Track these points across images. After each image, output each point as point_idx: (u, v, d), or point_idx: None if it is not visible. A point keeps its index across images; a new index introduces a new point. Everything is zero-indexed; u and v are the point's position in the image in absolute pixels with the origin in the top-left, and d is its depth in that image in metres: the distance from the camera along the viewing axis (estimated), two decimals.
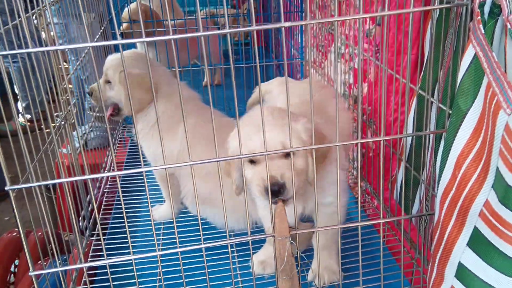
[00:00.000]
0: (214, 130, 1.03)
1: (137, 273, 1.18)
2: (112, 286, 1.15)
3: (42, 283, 1.35)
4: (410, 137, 1.39)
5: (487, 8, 0.93)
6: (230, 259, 1.17)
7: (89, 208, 1.76)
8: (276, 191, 1.12)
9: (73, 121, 1.56)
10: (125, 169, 2.23)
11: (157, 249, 1.10)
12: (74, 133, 1.81)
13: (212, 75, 3.42)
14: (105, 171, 2.15)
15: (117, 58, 1.81)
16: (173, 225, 1.78)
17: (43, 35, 1.94)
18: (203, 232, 1.69)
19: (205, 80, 3.39)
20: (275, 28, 1.00)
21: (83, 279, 1.46)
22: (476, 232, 0.95)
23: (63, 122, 1.48)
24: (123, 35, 2.88)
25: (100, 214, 1.90)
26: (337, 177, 1.12)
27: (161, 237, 1.76)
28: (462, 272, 1.01)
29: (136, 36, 2.81)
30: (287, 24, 0.93)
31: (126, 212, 1.86)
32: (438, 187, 1.06)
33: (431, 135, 1.23)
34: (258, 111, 1.23)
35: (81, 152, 1.68)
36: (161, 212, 1.87)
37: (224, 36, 3.52)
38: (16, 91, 4.06)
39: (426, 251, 1.35)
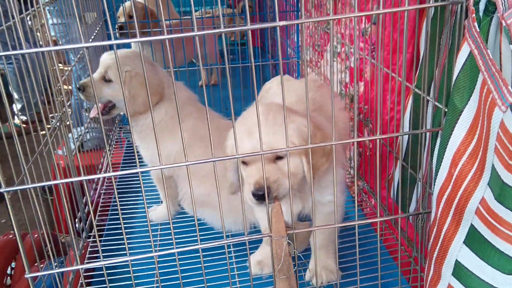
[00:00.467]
0: (210, 130, 1.02)
1: (134, 274, 1.18)
2: (108, 286, 1.14)
3: (39, 285, 1.34)
4: (407, 136, 1.38)
5: (482, 6, 0.92)
6: (227, 259, 1.16)
7: (86, 210, 1.75)
8: (262, 195, 1.12)
9: (68, 122, 1.55)
10: (121, 170, 2.22)
11: (153, 250, 1.10)
12: (70, 134, 1.80)
13: (209, 75, 3.42)
14: (101, 173, 2.14)
15: (120, 56, 1.76)
16: (170, 226, 1.79)
17: (38, 36, 1.93)
18: (201, 233, 1.69)
19: (202, 80, 3.38)
20: (270, 27, 1.00)
21: (80, 281, 1.45)
22: (472, 230, 0.95)
23: (58, 124, 1.47)
24: (121, 28, 2.87)
25: (97, 215, 1.89)
26: (334, 176, 1.12)
27: (158, 238, 1.75)
28: (459, 270, 1.00)
29: (131, 35, 2.80)
30: (282, 23, 0.93)
31: (123, 213, 1.88)
32: (434, 185, 1.06)
33: (427, 134, 1.23)
34: (253, 111, 1.23)
35: (76, 154, 1.67)
36: (158, 213, 1.86)
37: (220, 35, 3.51)
38: (12, 93, 4.04)
39: (424, 249, 1.35)
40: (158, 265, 1.50)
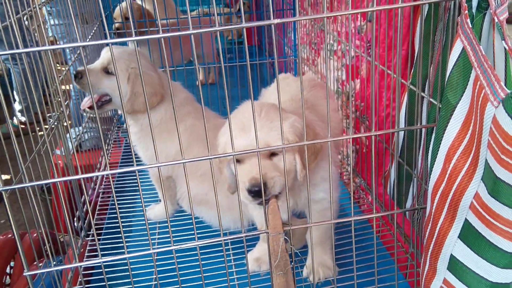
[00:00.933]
0: (206, 128, 1.03)
1: (133, 272, 1.19)
2: (107, 285, 1.15)
3: (37, 284, 1.35)
4: (402, 132, 1.39)
5: (474, 3, 0.93)
6: (224, 256, 1.17)
7: (84, 209, 1.76)
8: (258, 192, 1.13)
9: (65, 123, 1.55)
10: (119, 172, 2.22)
11: (151, 247, 1.11)
12: (68, 134, 1.80)
13: (207, 74, 3.42)
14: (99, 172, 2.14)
15: (125, 51, 1.76)
16: (167, 224, 1.80)
17: (36, 36, 1.93)
18: (198, 231, 1.70)
19: (199, 79, 3.39)
20: (266, 25, 1.00)
21: (79, 279, 1.46)
22: (467, 224, 0.96)
23: (56, 123, 1.48)
24: (116, 35, 2.87)
25: (95, 214, 1.90)
26: (330, 173, 1.13)
27: (156, 237, 1.76)
28: (454, 264, 1.01)
29: (128, 35, 2.81)
30: (277, 21, 0.94)
31: (121, 212, 1.89)
32: (429, 181, 1.07)
33: (423, 130, 1.23)
34: (246, 108, 1.24)
35: (74, 153, 1.68)
36: (156, 211, 1.87)
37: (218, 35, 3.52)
38: (15, 94, 4.06)
39: (420, 245, 1.36)
40: (156, 263, 1.52)
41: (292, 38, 2.81)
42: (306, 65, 2.54)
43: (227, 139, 1.20)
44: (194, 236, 1.13)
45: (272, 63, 3.08)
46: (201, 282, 1.24)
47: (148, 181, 2.08)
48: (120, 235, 1.70)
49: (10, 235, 1.96)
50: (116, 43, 1.95)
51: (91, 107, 1.80)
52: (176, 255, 1.16)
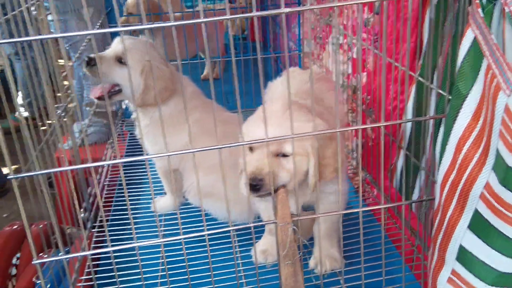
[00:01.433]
0: (215, 120, 1.04)
1: (142, 257, 1.19)
2: (116, 274, 1.15)
3: (45, 274, 1.36)
4: (410, 125, 1.39)
5: None
6: (233, 245, 1.17)
7: (90, 200, 1.76)
8: (255, 186, 1.13)
9: (71, 113, 1.55)
10: (124, 166, 2.23)
11: (160, 236, 1.11)
12: (74, 127, 1.80)
13: (211, 69, 3.42)
14: (105, 166, 2.15)
15: (140, 42, 1.74)
16: (173, 216, 1.81)
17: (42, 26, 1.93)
18: (201, 224, 1.70)
19: (204, 73, 3.39)
20: (274, 15, 1.00)
21: (86, 270, 1.47)
22: (476, 214, 0.96)
23: (63, 114, 1.48)
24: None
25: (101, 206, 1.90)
26: (339, 165, 1.13)
27: (163, 229, 1.76)
28: (463, 255, 1.01)
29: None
30: (287, 9, 0.94)
31: (125, 204, 1.89)
32: (438, 172, 1.07)
33: (431, 121, 1.24)
34: (276, 103, 1.25)
35: (81, 146, 1.68)
36: (161, 204, 1.87)
37: (227, 31, 3.51)
38: (19, 88, 4.06)
39: (427, 237, 1.36)
40: (165, 249, 1.52)
41: (297, 33, 2.81)
42: (311, 59, 2.54)
43: (246, 129, 1.22)
44: (200, 228, 1.14)
45: (276, 58, 3.08)
46: (209, 273, 1.24)
47: (153, 174, 2.09)
48: (125, 227, 1.72)
49: (16, 226, 1.96)
50: (129, 33, 1.94)
51: (100, 98, 1.75)
52: (184, 245, 1.17)
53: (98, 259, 1.60)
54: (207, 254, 1.20)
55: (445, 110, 1.12)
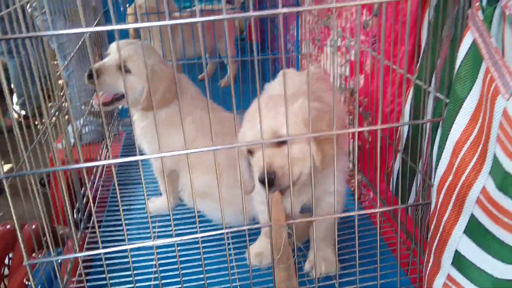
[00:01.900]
0: (210, 119, 1.02)
1: (133, 265, 1.18)
2: (107, 276, 1.13)
3: (36, 275, 1.34)
4: (407, 128, 1.38)
5: None
6: (226, 248, 1.16)
7: (84, 201, 1.74)
8: (269, 181, 1.11)
9: (66, 111, 1.53)
10: (119, 166, 2.21)
11: (152, 238, 1.09)
12: (69, 128, 1.77)
13: (209, 70, 3.40)
14: (99, 166, 2.13)
15: (139, 47, 1.68)
16: (168, 217, 1.79)
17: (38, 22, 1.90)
18: (200, 225, 1.69)
19: (203, 74, 3.37)
20: (272, 15, 0.99)
21: (78, 271, 1.45)
22: (473, 219, 0.95)
23: (57, 113, 1.47)
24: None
25: (95, 207, 1.88)
26: (334, 167, 1.12)
27: (157, 230, 1.75)
28: (458, 260, 1.00)
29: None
30: (285, 10, 0.93)
31: (121, 205, 1.87)
32: (434, 176, 1.06)
33: (428, 125, 1.22)
34: (255, 102, 1.24)
35: (75, 145, 1.66)
36: (156, 205, 1.86)
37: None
38: (12, 87, 4.02)
39: (422, 241, 1.35)
40: (158, 251, 1.51)
41: (295, 34, 2.80)
42: (309, 61, 2.53)
43: (241, 132, 1.22)
44: (193, 229, 1.12)
45: (274, 60, 3.07)
46: (202, 276, 1.23)
47: (150, 175, 2.07)
48: (118, 228, 1.71)
49: (8, 226, 1.94)
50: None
51: (105, 104, 1.71)
52: (177, 247, 1.15)
53: (92, 260, 1.58)
54: (200, 257, 1.18)
55: (442, 114, 1.11)
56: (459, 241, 0.99)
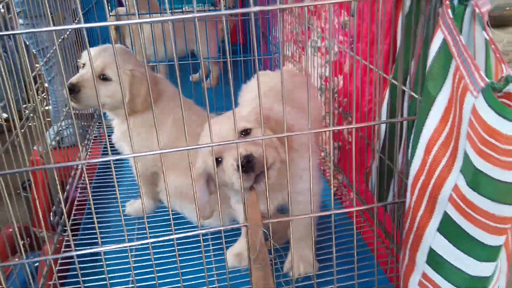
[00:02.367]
0: (184, 118, 1.02)
1: (111, 268, 1.16)
2: (80, 278, 1.12)
3: (11, 279, 1.32)
4: (384, 128, 1.39)
5: None
6: (202, 249, 1.15)
7: (62, 204, 1.72)
8: (248, 166, 1.11)
9: (43, 109, 1.50)
10: (99, 168, 2.19)
11: (126, 240, 1.08)
12: (50, 129, 1.76)
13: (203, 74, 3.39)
14: (78, 168, 2.10)
15: (112, 52, 1.60)
16: (148, 220, 1.77)
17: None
18: (178, 227, 1.68)
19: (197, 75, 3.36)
20: (245, 12, 0.99)
21: (53, 275, 1.43)
22: (446, 217, 0.95)
23: (31, 114, 1.45)
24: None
25: (74, 210, 1.86)
26: (310, 164, 1.12)
27: (135, 232, 1.73)
28: (433, 258, 1.01)
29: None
30: (257, 8, 0.92)
31: (100, 207, 1.86)
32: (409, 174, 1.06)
33: (404, 124, 1.23)
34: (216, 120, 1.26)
35: (56, 148, 1.63)
36: (136, 206, 1.84)
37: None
38: None
39: (400, 240, 1.35)
40: (136, 259, 1.49)
41: (277, 36, 2.80)
42: (290, 62, 2.54)
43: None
44: (170, 231, 1.11)
45: (255, 61, 3.07)
46: (179, 278, 1.21)
47: (130, 176, 2.05)
48: (94, 230, 1.68)
49: None
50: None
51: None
52: (157, 250, 1.13)
53: (69, 263, 1.56)
54: (180, 257, 1.17)
55: (417, 112, 1.12)
56: (433, 239, 0.99)
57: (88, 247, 1.10)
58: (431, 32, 1.05)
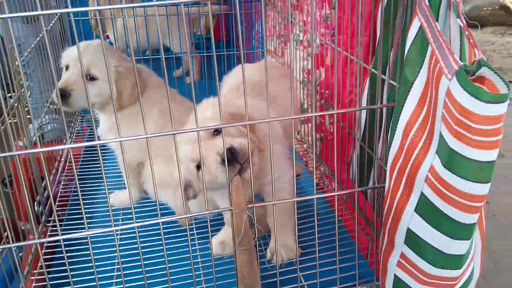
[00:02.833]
0: (170, 104, 1.04)
1: (96, 255, 1.17)
2: (67, 262, 1.13)
3: None
4: (364, 116, 1.42)
5: None
6: (188, 234, 1.17)
7: (45, 194, 1.72)
8: (232, 157, 1.14)
9: (26, 102, 1.50)
10: (82, 161, 2.19)
11: (113, 224, 1.09)
12: (31, 125, 1.74)
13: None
14: (62, 160, 2.10)
15: (95, 48, 1.64)
16: (131, 210, 1.79)
17: None
18: (164, 213, 1.69)
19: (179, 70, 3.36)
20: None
21: (39, 263, 1.44)
22: (422, 198, 0.99)
23: (16, 104, 1.45)
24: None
25: (57, 203, 1.86)
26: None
27: (120, 223, 1.73)
28: (410, 238, 1.05)
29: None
30: None
31: (85, 199, 1.86)
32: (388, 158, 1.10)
33: (384, 111, 1.27)
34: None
35: (36, 143, 1.63)
36: (120, 197, 1.85)
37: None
38: None
39: (380, 226, 1.39)
40: (121, 243, 1.50)
41: (260, 31, 2.83)
42: (273, 57, 2.57)
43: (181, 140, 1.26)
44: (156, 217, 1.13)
45: (238, 55, 3.09)
46: (165, 266, 1.23)
47: (114, 168, 2.06)
48: (81, 221, 1.69)
49: None
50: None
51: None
52: (142, 237, 1.14)
53: (53, 253, 1.56)
54: (166, 243, 1.19)
55: (396, 99, 1.15)
56: (411, 220, 1.03)
57: (75, 231, 1.11)
58: (408, 21, 1.09)
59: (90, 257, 1.15)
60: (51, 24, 2.17)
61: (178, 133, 1.04)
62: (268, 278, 1.36)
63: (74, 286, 1.20)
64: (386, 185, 1.11)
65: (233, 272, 1.19)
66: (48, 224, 1.67)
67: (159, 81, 1.83)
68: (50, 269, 1.47)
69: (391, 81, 1.19)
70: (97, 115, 1.84)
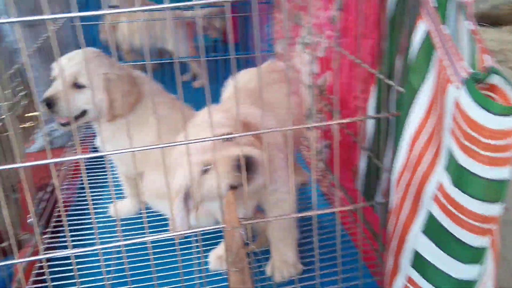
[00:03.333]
0: (156, 111, 0.97)
1: (92, 264, 1.11)
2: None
3: None
4: (372, 125, 1.34)
5: None
6: (178, 253, 1.10)
7: (40, 206, 1.68)
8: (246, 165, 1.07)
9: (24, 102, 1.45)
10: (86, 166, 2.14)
11: (97, 243, 1.03)
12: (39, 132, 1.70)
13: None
14: (62, 170, 2.06)
15: (89, 58, 1.59)
16: (131, 221, 1.74)
17: None
18: (164, 228, 1.63)
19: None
20: (220, 4, 0.94)
21: (31, 278, 1.40)
22: (430, 218, 0.90)
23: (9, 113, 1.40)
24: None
25: (55, 210, 1.81)
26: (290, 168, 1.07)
27: (118, 234, 1.68)
28: (417, 261, 0.96)
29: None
30: None
31: (84, 208, 1.81)
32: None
33: (392, 119, 1.18)
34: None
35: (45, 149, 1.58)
36: (118, 208, 1.79)
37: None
38: None
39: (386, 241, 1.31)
40: (120, 256, 1.44)
41: (268, 33, 2.76)
42: (281, 60, 2.49)
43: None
44: (157, 231, 1.07)
45: (247, 59, 3.02)
46: (153, 283, 1.16)
47: (115, 178, 2.01)
48: (77, 232, 1.64)
49: None
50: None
51: (65, 124, 1.60)
52: (139, 251, 1.07)
53: (48, 266, 1.51)
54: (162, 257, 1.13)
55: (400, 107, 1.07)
56: (418, 241, 0.94)
57: (58, 251, 1.05)
58: (413, 24, 1.01)
59: (81, 272, 1.09)
60: (51, 28, 2.12)
61: (167, 146, 0.98)
62: None
63: None
64: (392, 200, 1.02)
65: None
66: (45, 236, 1.62)
67: (158, 89, 1.76)
68: (41, 285, 1.41)
69: (398, 87, 1.10)
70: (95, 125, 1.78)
